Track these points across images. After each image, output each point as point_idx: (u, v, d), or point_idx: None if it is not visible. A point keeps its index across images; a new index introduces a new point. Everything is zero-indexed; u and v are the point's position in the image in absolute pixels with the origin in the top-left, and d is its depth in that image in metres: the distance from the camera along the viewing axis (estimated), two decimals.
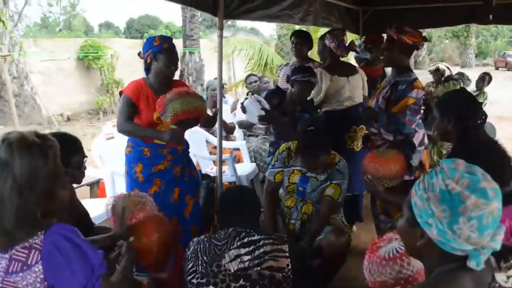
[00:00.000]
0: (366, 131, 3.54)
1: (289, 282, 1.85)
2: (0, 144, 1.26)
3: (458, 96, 2.34)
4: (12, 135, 1.28)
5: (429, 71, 6.83)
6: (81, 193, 4.13)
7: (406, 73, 3.00)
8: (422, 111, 3.08)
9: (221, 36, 3.66)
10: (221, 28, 3.63)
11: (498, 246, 1.12)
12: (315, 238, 2.72)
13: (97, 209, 2.90)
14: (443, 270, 1.15)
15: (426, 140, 3.15)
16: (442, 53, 28.08)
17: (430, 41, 27.89)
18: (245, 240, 1.88)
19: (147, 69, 2.96)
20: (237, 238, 1.89)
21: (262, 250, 1.85)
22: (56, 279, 1.26)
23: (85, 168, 2.22)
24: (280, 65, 3.80)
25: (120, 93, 2.96)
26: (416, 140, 3.02)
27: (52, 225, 1.31)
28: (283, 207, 2.94)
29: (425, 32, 24.66)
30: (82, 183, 4.32)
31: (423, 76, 10.87)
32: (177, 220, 2.90)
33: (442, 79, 6.04)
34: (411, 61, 23.52)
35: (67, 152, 1.88)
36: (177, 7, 13.57)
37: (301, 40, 4.13)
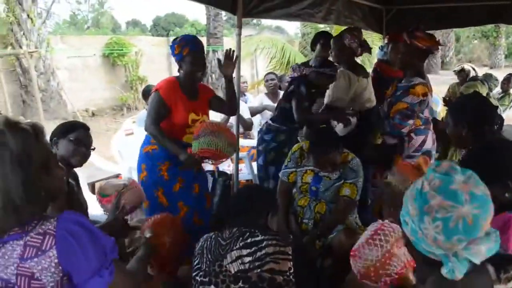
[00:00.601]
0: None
1: (291, 285, 1.81)
2: None
3: (470, 101, 2.26)
4: None
5: (454, 71, 6.68)
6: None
7: (412, 78, 2.98)
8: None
9: (239, 35, 3.66)
10: (239, 27, 3.64)
11: (475, 259, 1.09)
12: (326, 236, 2.71)
13: None
14: (432, 280, 1.13)
15: (428, 146, 3.06)
16: (471, 54, 27.31)
17: (458, 41, 27.30)
18: (248, 240, 1.85)
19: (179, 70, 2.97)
20: (241, 238, 1.86)
21: (264, 251, 1.81)
22: (70, 263, 1.29)
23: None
24: (294, 66, 3.72)
25: (151, 90, 2.96)
26: (412, 146, 3.00)
27: (64, 211, 1.36)
28: (296, 206, 2.95)
29: (453, 31, 23.85)
30: (101, 177, 4.45)
31: (449, 77, 10.62)
32: (198, 214, 3.01)
33: (467, 79, 5.89)
34: (438, 61, 22.95)
35: None
36: (203, 5, 13.59)
37: (328, 41, 3.96)
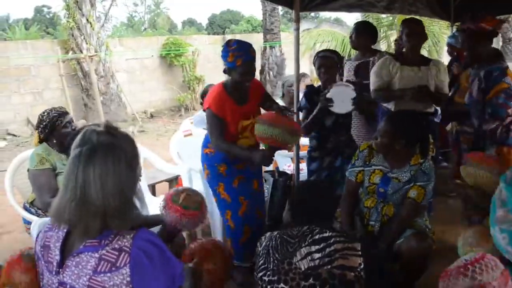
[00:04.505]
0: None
1: (362, 282, 1.77)
2: (96, 133, 1.36)
3: None
4: (99, 125, 1.40)
5: None
6: (161, 188, 4.42)
7: (498, 62, 3.02)
8: None
9: (297, 29, 3.51)
10: (297, 21, 3.50)
11: None
12: (394, 241, 2.60)
13: None
14: None
15: None
16: None
17: None
18: (317, 237, 1.84)
19: (226, 72, 2.94)
20: (310, 235, 1.85)
21: (333, 248, 1.80)
22: (140, 283, 1.30)
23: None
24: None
25: (205, 107, 2.98)
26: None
27: (140, 229, 1.37)
28: (362, 207, 2.83)
29: None
30: (162, 179, 4.49)
31: None
32: (259, 209, 3.17)
33: None
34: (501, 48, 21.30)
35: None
36: (258, 0, 13.38)
37: (360, 32, 3.95)
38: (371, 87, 3.50)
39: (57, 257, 1.36)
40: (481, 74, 3.00)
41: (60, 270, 1.34)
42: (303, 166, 4.17)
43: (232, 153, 2.94)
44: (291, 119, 3.07)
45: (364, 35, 3.95)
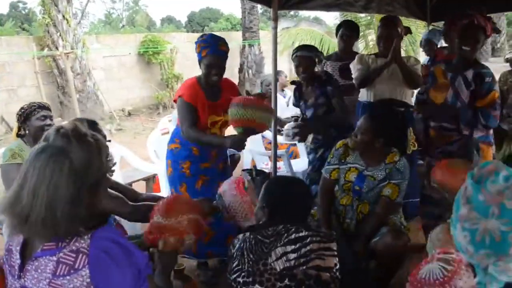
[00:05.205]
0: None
1: (337, 282, 1.76)
2: (55, 133, 1.30)
3: None
4: (66, 125, 1.33)
5: (506, 59, 6.06)
6: (138, 187, 4.24)
7: (481, 64, 2.99)
8: None
9: (275, 28, 3.52)
10: (275, 20, 3.49)
11: (502, 276, 1.03)
12: (369, 239, 2.61)
13: None
14: None
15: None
16: None
17: (510, 25, 25.88)
18: (292, 236, 1.82)
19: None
20: (285, 235, 1.83)
21: (308, 248, 1.78)
22: (104, 282, 1.27)
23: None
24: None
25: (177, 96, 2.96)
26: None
27: (98, 228, 1.33)
28: (338, 205, 2.85)
29: (504, 15, 22.76)
30: (139, 178, 4.48)
31: (500, 65, 9.92)
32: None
33: None
34: (489, 48, 21.90)
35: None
36: None
37: (352, 32, 4.02)
38: (354, 79, 3.54)
39: (18, 261, 1.34)
40: (468, 75, 2.94)
41: (21, 274, 1.32)
42: (281, 164, 4.21)
43: (203, 141, 2.90)
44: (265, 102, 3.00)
45: (355, 35, 4.11)
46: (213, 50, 2.79)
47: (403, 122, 3.11)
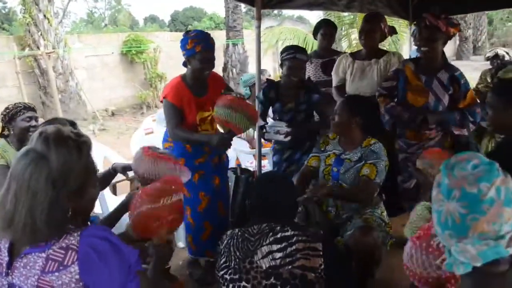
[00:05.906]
0: None
1: (322, 282, 1.77)
2: (37, 137, 1.29)
3: None
4: (49, 129, 1.32)
5: (487, 57, 6.12)
6: (121, 188, 4.28)
7: (450, 65, 3.05)
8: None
9: (259, 27, 3.52)
10: (259, 19, 3.51)
11: (462, 258, 1.06)
12: (340, 198, 2.68)
13: None
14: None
15: None
16: (505, 37, 25.92)
17: (491, 24, 26.24)
18: (278, 235, 1.83)
19: (186, 65, 2.93)
20: (271, 233, 1.84)
21: (294, 247, 1.79)
22: (93, 279, 1.27)
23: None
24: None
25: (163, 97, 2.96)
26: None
27: (88, 226, 1.33)
28: None
29: (485, 14, 23.07)
30: (123, 178, 4.46)
31: (482, 63, 10.07)
32: (223, 205, 3.18)
33: (500, 64, 5.39)
34: (470, 46, 22.17)
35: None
36: None
37: (332, 31, 4.12)
38: (333, 85, 3.69)
39: (6, 259, 1.33)
40: (443, 78, 2.97)
41: (9, 271, 1.32)
42: (265, 163, 4.21)
43: (191, 140, 2.94)
44: (251, 105, 3.03)
45: (335, 33, 4.22)
46: (206, 44, 2.81)
47: (377, 105, 3.14)
